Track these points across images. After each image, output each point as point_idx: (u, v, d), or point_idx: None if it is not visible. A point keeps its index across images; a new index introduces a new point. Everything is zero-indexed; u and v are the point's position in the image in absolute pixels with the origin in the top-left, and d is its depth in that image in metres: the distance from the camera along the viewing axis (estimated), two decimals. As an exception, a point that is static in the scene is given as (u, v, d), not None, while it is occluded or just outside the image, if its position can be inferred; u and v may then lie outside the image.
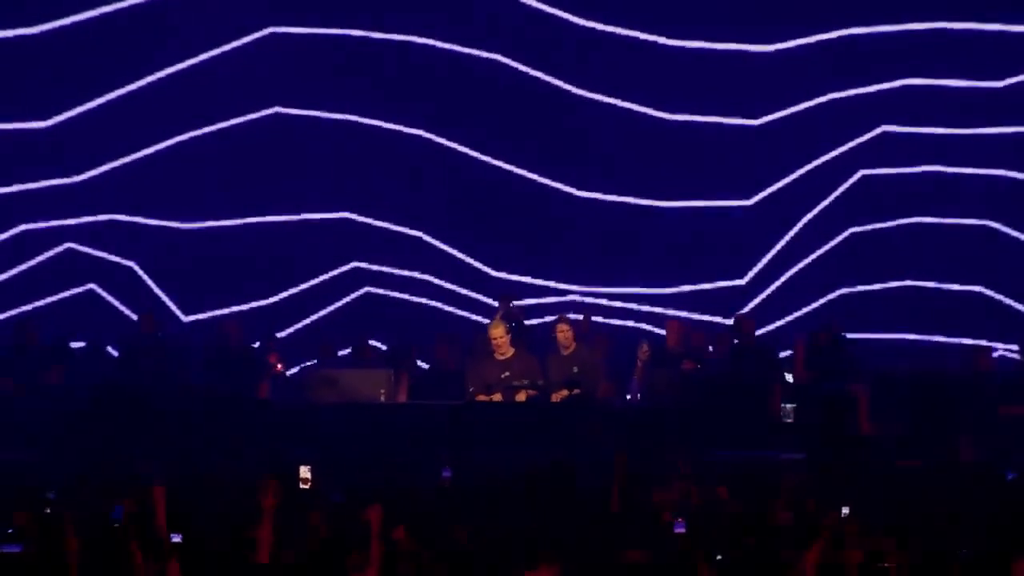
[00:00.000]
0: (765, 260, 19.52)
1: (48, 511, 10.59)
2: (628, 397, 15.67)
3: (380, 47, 19.11)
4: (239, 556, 9.83)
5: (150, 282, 19.05)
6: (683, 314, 18.44)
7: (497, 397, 14.30)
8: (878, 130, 19.13)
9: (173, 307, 19.03)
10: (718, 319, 18.73)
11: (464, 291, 19.14)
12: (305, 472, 11.14)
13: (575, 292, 19.23)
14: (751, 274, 19.47)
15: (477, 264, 19.20)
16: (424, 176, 19.20)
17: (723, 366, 16.24)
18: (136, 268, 19.03)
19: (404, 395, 15.12)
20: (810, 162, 19.32)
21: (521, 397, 14.45)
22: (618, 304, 19.04)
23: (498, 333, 14.44)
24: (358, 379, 14.92)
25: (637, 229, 19.34)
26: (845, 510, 10.39)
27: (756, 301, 19.43)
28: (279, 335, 18.04)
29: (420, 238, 19.18)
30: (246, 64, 18.85)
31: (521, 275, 19.25)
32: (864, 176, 19.33)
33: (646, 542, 9.82)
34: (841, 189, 19.48)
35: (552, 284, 19.27)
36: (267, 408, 15.21)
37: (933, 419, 14.37)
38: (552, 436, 13.63)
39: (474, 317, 18.71)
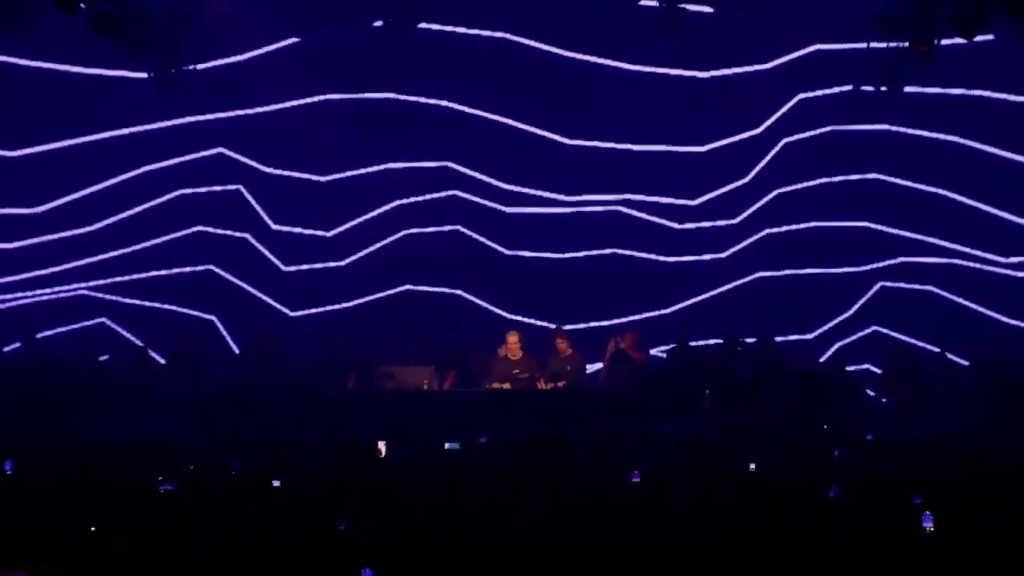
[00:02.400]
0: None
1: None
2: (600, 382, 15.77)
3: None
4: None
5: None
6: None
7: (507, 386, 14.77)
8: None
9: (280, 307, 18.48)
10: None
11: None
12: (381, 446, 11.56)
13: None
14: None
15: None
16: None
17: (668, 365, 16.21)
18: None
19: (449, 384, 15.30)
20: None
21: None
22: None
23: (513, 340, 15.07)
24: (409, 374, 15.26)
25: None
26: (752, 465, 10.90)
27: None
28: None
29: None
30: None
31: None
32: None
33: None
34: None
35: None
36: (350, 394, 15.47)
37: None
38: (547, 414, 14.06)
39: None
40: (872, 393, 16.32)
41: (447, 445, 12.10)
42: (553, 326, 16.50)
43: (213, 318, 18.42)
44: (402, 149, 18.27)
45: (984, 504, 9.31)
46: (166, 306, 18.41)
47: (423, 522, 8.68)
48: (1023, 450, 12.46)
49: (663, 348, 17.26)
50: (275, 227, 18.53)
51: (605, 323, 17.95)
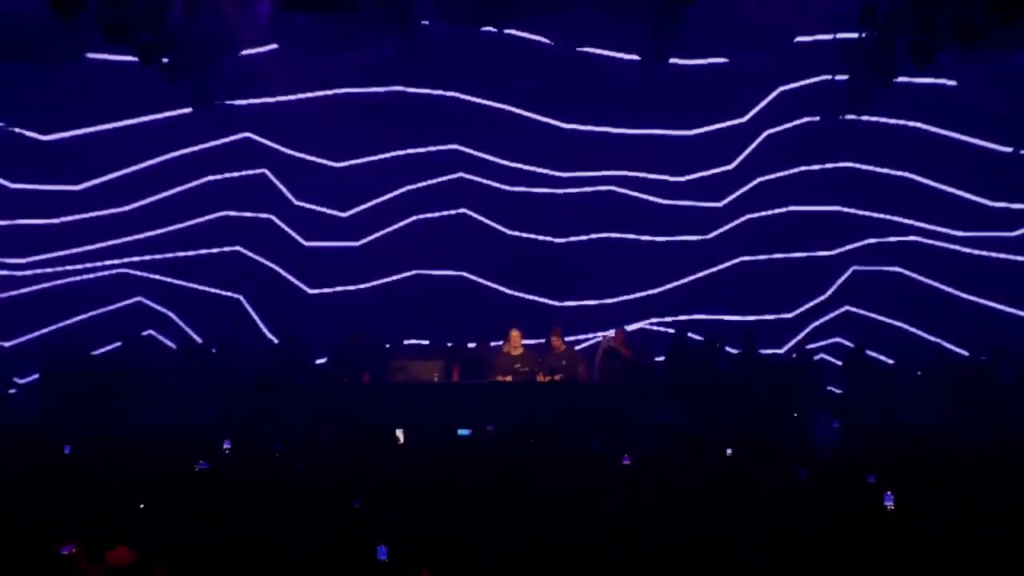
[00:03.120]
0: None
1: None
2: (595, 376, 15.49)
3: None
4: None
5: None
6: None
7: (510, 378, 14.62)
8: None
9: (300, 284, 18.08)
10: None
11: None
12: (399, 434, 11.49)
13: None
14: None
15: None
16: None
17: (667, 360, 15.84)
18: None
19: (457, 376, 15.11)
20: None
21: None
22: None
23: (516, 336, 14.96)
24: (420, 367, 15.03)
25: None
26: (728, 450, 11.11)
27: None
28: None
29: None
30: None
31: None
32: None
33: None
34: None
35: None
36: (366, 387, 15.19)
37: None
38: (546, 404, 13.95)
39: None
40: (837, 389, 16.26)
41: (459, 432, 12.09)
42: (555, 302, 16.56)
43: (240, 297, 18.15)
44: (411, 135, 17.93)
45: (938, 483, 9.39)
46: (199, 286, 18.10)
47: (438, 501, 8.69)
48: (971, 435, 12.54)
49: (658, 321, 17.50)
50: (297, 203, 18.11)
51: (608, 300, 17.95)
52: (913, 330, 17.55)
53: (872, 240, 17.81)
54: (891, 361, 16.88)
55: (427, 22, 15.02)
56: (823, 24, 15.34)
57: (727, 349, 16.32)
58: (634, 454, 10.38)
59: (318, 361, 16.57)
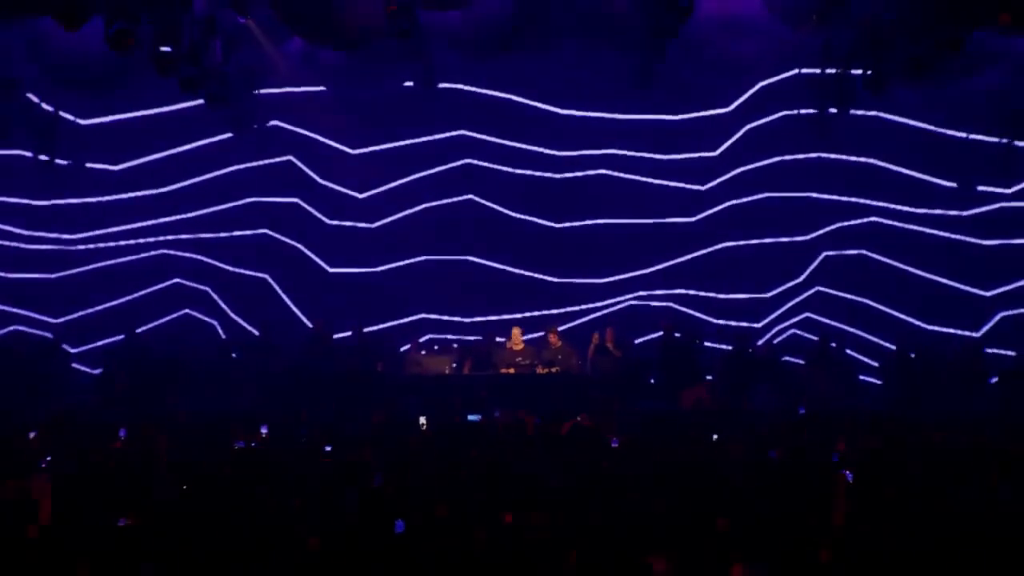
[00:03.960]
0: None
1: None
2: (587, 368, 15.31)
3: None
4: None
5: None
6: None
7: (512, 371, 14.67)
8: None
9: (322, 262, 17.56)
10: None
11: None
12: (423, 420, 11.62)
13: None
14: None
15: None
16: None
17: (659, 354, 15.69)
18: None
19: (467, 369, 15.03)
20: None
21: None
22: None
23: (517, 333, 15.07)
24: (434, 360, 15.17)
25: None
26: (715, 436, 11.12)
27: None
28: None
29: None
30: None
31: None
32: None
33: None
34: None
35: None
36: (382, 377, 15.15)
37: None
38: (544, 394, 13.98)
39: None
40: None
41: (470, 417, 12.17)
42: (555, 280, 16.67)
43: (266, 276, 17.68)
44: (420, 123, 17.36)
45: (891, 463, 9.42)
46: (230, 267, 17.68)
47: (450, 477, 8.70)
48: (924, 422, 12.50)
49: (647, 295, 17.39)
50: (321, 181, 17.56)
51: (601, 280, 17.65)
52: (877, 306, 17.29)
53: (840, 224, 17.45)
54: (852, 353, 16.68)
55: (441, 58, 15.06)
56: (787, 61, 15.30)
57: (722, 346, 16.27)
58: (621, 436, 10.44)
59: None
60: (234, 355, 16.22)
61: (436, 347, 16.41)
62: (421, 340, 16.72)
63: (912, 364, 15.65)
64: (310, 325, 16.98)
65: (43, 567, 6.29)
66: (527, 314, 17.17)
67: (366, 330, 16.35)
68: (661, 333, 15.88)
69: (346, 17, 12.17)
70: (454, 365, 15.17)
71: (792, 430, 11.86)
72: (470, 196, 17.63)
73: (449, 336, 17.40)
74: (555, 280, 17.64)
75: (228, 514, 7.69)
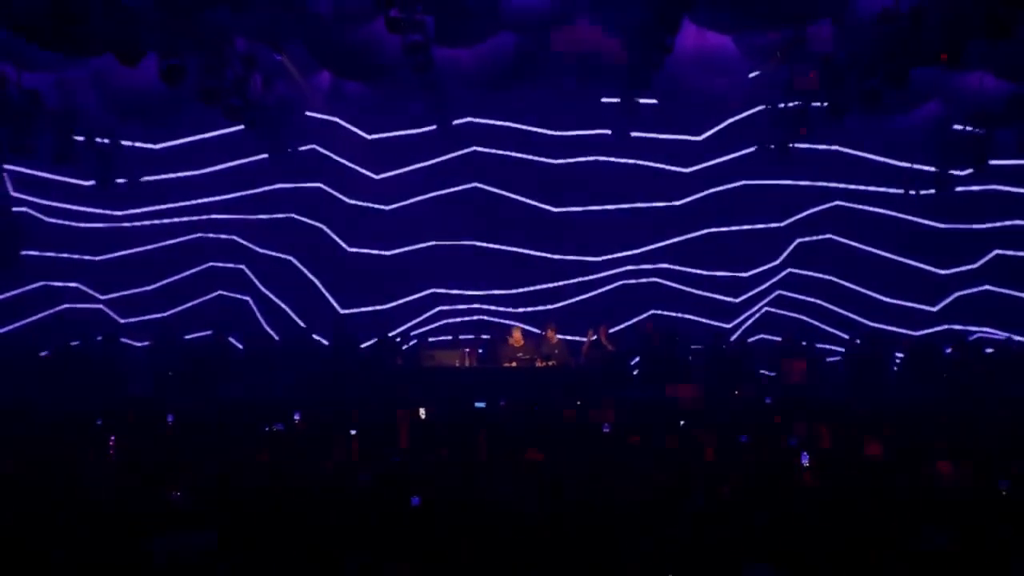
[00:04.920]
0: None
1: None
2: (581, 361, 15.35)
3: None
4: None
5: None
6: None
7: (515, 364, 14.63)
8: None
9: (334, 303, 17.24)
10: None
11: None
12: (422, 411, 11.22)
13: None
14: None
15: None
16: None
17: (642, 349, 15.62)
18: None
19: (474, 362, 15.02)
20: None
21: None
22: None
23: (517, 333, 15.00)
24: (445, 354, 14.99)
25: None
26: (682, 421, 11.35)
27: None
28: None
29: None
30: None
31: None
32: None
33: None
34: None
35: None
36: (399, 369, 15.13)
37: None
38: (543, 385, 13.98)
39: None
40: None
41: (477, 404, 12.14)
42: (554, 255, 16.48)
43: (291, 258, 17.33)
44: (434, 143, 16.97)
45: (846, 448, 9.43)
46: (258, 248, 17.33)
47: (460, 459, 8.71)
48: (879, 409, 12.43)
49: (636, 269, 17.21)
50: (342, 161, 17.08)
51: (596, 258, 17.37)
52: (844, 283, 17.10)
53: (811, 210, 17.23)
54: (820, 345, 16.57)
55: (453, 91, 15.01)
56: (756, 97, 15.25)
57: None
58: (612, 423, 10.39)
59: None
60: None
61: (448, 341, 16.36)
62: (432, 340, 16.67)
63: (865, 354, 15.58)
64: (334, 303, 16.85)
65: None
66: (528, 288, 17.14)
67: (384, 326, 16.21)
68: (647, 329, 15.79)
69: (369, 53, 12.19)
70: (466, 353, 15.10)
71: (759, 418, 11.78)
72: (475, 184, 17.31)
73: (459, 306, 17.26)
74: (554, 257, 17.35)
75: (266, 489, 7.69)
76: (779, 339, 16.49)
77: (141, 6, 9.68)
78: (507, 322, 16.87)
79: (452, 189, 17.28)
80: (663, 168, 17.13)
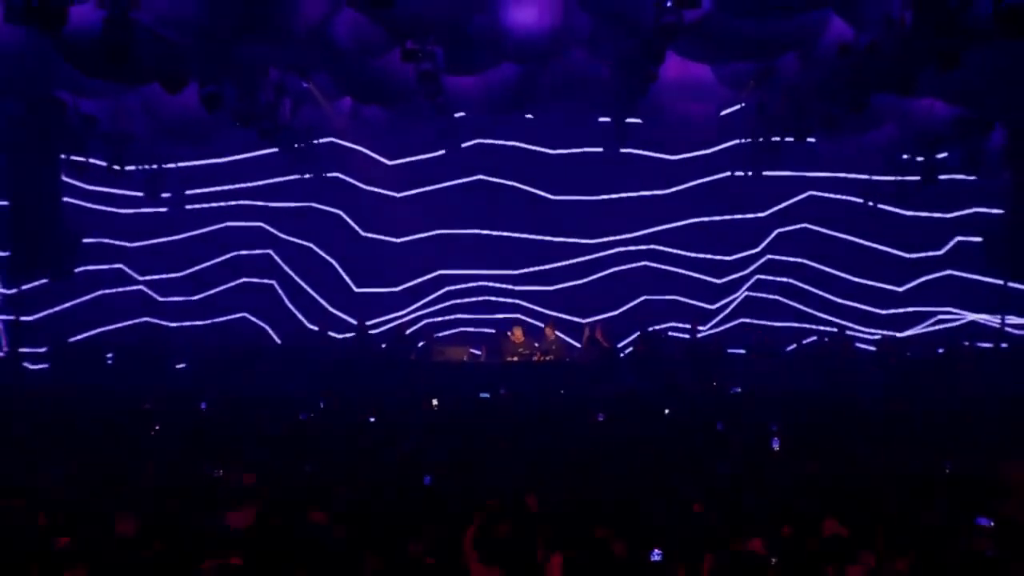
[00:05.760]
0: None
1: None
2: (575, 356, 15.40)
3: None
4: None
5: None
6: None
7: (516, 359, 14.64)
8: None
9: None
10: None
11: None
12: (434, 401, 11.41)
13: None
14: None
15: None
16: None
17: (636, 348, 15.41)
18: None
19: (484, 357, 15.04)
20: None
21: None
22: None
23: (518, 329, 14.91)
24: (454, 350, 15.06)
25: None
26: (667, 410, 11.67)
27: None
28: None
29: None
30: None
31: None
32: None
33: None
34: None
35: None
36: (414, 364, 15.01)
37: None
38: (542, 378, 13.94)
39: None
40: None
41: (481, 394, 12.17)
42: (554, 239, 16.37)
43: (312, 245, 16.96)
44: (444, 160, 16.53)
45: (814, 434, 9.54)
46: (282, 234, 16.96)
47: (467, 444, 8.76)
48: (842, 399, 12.47)
49: (626, 251, 16.92)
50: (357, 147, 16.55)
51: (591, 240, 17.05)
52: (816, 265, 16.76)
53: (787, 203, 16.76)
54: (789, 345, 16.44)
55: (461, 113, 15.00)
56: (731, 127, 15.17)
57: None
58: (605, 412, 10.53)
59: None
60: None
61: (456, 338, 16.33)
62: (440, 335, 16.44)
63: (829, 349, 15.61)
64: (350, 283, 16.72)
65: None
66: (528, 269, 16.91)
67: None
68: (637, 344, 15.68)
69: (386, 81, 12.28)
70: (474, 352, 15.08)
71: (731, 406, 11.90)
72: (480, 176, 16.92)
73: (467, 285, 16.91)
74: (552, 239, 17.08)
75: (294, 465, 7.89)
76: (759, 322, 16.37)
77: (183, 41, 9.75)
78: (508, 300, 16.70)
79: (458, 181, 16.86)
80: (651, 156, 16.77)
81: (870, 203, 16.27)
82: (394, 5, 7.76)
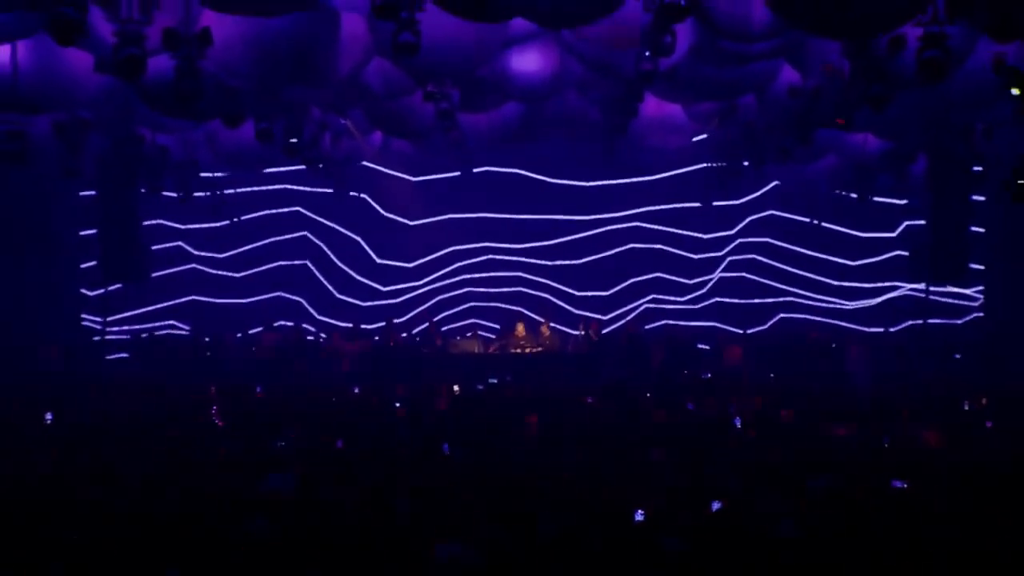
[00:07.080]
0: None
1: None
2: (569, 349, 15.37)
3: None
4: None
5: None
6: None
7: (518, 351, 14.72)
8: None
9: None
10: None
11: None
12: (456, 388, 11.49)
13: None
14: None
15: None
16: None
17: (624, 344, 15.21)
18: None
19: (496, 350, 14.88)
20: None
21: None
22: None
23: (520, 326, 15.08)
24: (466, 343, 15.10)
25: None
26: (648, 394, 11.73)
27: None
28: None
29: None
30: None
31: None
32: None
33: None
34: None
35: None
36: (439, 355, 14.92)
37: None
38: (539, 368, 14.14)
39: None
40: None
41: (490, 380, 12.37)
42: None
43: (338, 227, 16.65)
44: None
45: (769, 416, 9.48)
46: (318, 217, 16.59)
47: (478, 418, 8.89)
48: (802, 386, 12.44)
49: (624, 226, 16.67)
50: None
51: (588, 233, 16.74)
52: (793, 247, 16.44)
53: (758, 193, 16.35)
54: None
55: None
56: (698, 152, 15.20)
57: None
58: (594, 398, 10.55)
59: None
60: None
61: (468, 335, 16.24)
62: (447, 327, 16.25)
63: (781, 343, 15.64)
64: (373, 255, 16.59)
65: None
66: (528, 245, 16.66)
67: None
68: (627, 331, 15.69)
69: (410, 118, 12.40)
70: (484, 345, 15.14)
71: (701, 390, 11.96)
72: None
73: (482, 289, 16.65)
74: (553, 218, 16.80)
75: (333, 441, 7.93)
76: (735, 300, 16.25)
77: (241, 86, 9.92)
78: (509, 287, 16.60)
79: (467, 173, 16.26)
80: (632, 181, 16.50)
81: (815, 221, 16.27)
82: (417, 55, 7.90)
